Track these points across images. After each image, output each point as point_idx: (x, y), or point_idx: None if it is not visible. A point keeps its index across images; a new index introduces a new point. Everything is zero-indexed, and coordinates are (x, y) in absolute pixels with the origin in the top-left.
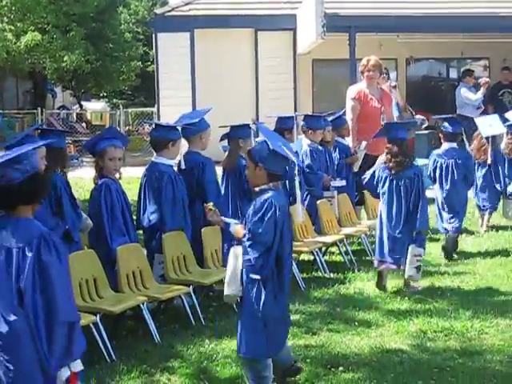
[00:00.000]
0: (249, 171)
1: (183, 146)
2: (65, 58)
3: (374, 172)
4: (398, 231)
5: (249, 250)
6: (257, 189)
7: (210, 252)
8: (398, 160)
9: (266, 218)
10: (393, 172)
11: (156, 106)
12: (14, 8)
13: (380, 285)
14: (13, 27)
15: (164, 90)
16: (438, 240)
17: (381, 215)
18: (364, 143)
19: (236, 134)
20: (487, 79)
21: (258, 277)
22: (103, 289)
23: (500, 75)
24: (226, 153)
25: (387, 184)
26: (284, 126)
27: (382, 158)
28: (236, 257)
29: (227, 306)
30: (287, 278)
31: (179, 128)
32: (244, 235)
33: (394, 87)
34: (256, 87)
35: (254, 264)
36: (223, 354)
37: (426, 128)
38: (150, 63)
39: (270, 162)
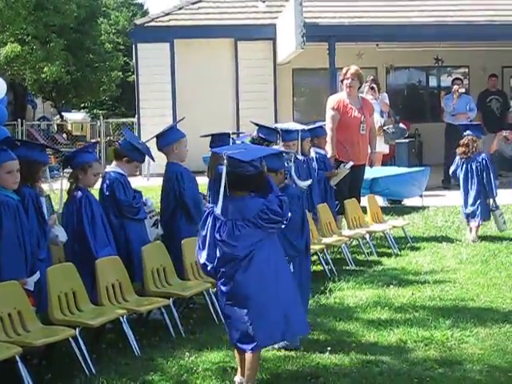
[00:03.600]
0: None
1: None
2: (45, 69)
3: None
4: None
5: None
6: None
7: (190, 263)
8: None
9: (298, 208)
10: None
11: (136, 116)
12: None
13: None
14: None
15: (144, 101)
16: (418, 249)
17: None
18: (351, 163)
19: (216, 143)
20: (456, 87)
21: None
22: (82, 302)
23: (487, 82)
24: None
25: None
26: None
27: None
28: None
29: (208, 318)
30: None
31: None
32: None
33: (372, 89)
34: (236, 97)
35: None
36: (203, 366)
37: (406, 137)
38: (130, 73)
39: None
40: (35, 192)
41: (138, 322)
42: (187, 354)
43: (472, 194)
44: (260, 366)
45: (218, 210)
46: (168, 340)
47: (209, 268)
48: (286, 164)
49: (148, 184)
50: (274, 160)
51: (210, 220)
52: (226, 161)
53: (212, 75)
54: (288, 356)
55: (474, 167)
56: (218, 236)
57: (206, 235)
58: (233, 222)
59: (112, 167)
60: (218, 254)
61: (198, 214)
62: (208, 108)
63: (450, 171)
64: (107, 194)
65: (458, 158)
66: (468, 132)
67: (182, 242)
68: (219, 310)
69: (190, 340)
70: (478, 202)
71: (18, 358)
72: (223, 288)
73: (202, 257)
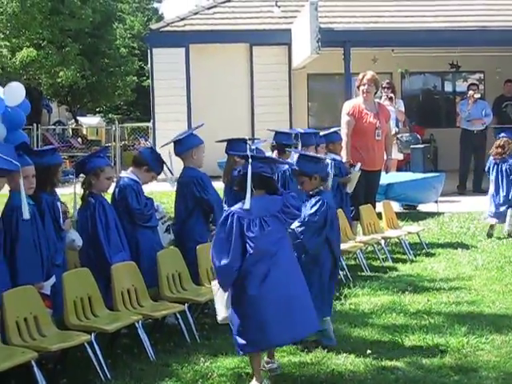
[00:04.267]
0: (305, 184)
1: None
2: (60, 74)
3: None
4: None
5: (301, 234)
6: (311, 192)
7: (206, 269)
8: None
9: (320, 212)
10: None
11: (152, 121)
12: (9, 24)
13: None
14: (8, 43)
15: (159, 105)
16: (434, 255)
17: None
18: (359, 164)
19: (232, 148)
20: (471, 92)
21: (303, 255)
22: (98, 307)
23: (503, 88)
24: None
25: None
26: (284, 142)
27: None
28: (215, 287)
29: (223, 324)
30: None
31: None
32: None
33: (391, 99)
34: (251, 102)
35: (307, 245)
36: (218, 372)
37: (422, 142)
38: (145, 78)
39: (321, 170)
40: (52, 197)
41: (153, 328)
42: (202, 359)
43: (502, 194)
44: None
45: (246, 206)
46: (183, 345)
47: (234, 269)
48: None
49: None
50: (307, 164)
51: (231, 222)
52: (250, 161)
53: (227, 80)
54: (303, 362)
55: (504, 169)
56: (249, 234)
57: (227, 238)
58: (261, 218)
59: (127, 173)
60: (250, 251)
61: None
62: (223, 113)
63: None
64: (118, 199)
65: (491, 158)
66: (503, 134)
67: (198, 247)
68: None
69: (204, 345)
70: (507, 203)
71: (33, 363)
72: (249, 289)
73: (225, 258)
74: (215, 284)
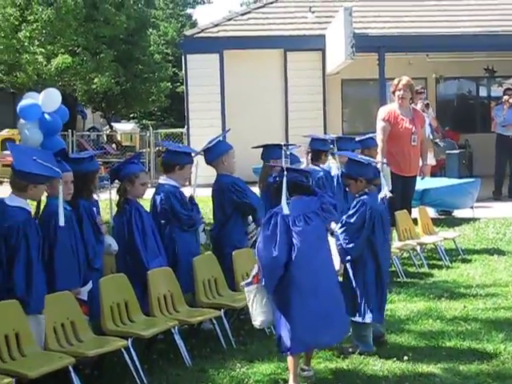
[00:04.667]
0: (351, 187)
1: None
2: (95, 80)
3: None
4: None
5: (341, 236)
6: (357, 194)
7: (242, 275)
8: None
9: (358, 213)
10: None
11: (186, 126)
12: (44, 31)
13: None
14: (43, 50)
15: (193, 111)
16: (470, 261)
17: None
18: (386, 168)
19: (268, 154)
20: (506, 97)
21: (349, 257)
22: (134, 313)
23: None
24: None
25: None
26: (320, 148)
27: None
28: (251, 293)
29: (259, 330)
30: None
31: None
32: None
33: (427, 106)
34: (285, 107)
35: (346, 247)
36: (255, 378)
37: (458, 147)
38: (179, 84)
39: (366, 173)
40: (89, 203)
41: (189, 333)
42: (238, 365)
43: None
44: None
45: (285, 211)
46: (219, 351)
47: (281, 263)
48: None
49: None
50: (352, 167)
51: (275, 220)
52: (285, 171)
53: (261, 85)
54: (340, 368)
55: None
56: (295, 228)
57: (272, 235)
58: (304, 215)
59: (164, 179)
60: (298, 245)
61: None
62: (257, 119)
63: None
64: (163, 207)
65: None
66: None
67: (234, 252)
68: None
69: (240, 351)
70: None
71: (70, 368)
72: (296, 287)
73: (272, 253)
74: (249, 290)
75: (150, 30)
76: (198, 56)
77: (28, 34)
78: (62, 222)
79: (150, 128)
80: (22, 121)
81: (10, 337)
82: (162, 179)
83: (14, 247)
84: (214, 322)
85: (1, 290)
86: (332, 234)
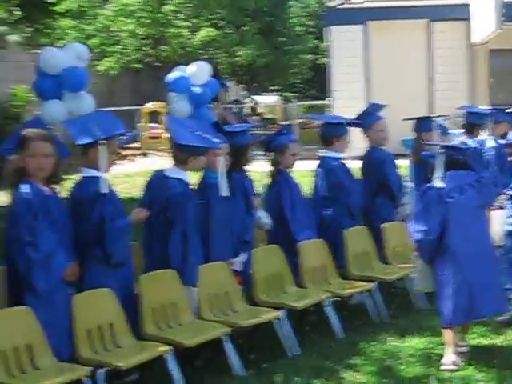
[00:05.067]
0: None
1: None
2: (239, 53)
3: None
4: None
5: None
6: None
7: (393, 247)
8: None
9: None
10: None
11: (329, 98)
12: (189, 5)
13: None
14: (188, 23)
15: (336, 83)
16: None
17: None
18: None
19: (420, 127)
20: None
21: None
22: (287, 284)
23: None
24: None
25: None
26: (476, 122)
27: None
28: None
29: (409, 304)
30: None
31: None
32: None
33: None
34: (430, 78)
35: None
36: (407, 352)
37: None
38: (321, 56)
39: None
40: (241, 176)
41: (340, 305)
42: (389, 338)
43: None
44: None
45: (439, 185)
46: (370, 324)
47: (435, 236)
48: None
49: None
50: None
51: (429, 193)
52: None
53: (405, 57)
54: (494, 344)
55: None
56: (449, 199)
57: (425, 208)
58: (459, 186)
59: (324, 152)
60: (453, 216)
61: (401, 196)
62: (400, 90)
63: None
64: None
65: None
66: None
67: (383, 226)
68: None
69: (391, 325)
70: None
71: (225, 338)
72: (454, 256)
73: (425, 227)
74: (415, 255)
75: (292, 2)
76: (342, 27)
77: (173, 8)
78: (224, 193)
79: (293, 100)
80: (171, 93)
81: (168, 306)
82: (322, 152)
83: (171, 218)
84: (366, 294)
85: (158, 259)
86: (501, 208)
